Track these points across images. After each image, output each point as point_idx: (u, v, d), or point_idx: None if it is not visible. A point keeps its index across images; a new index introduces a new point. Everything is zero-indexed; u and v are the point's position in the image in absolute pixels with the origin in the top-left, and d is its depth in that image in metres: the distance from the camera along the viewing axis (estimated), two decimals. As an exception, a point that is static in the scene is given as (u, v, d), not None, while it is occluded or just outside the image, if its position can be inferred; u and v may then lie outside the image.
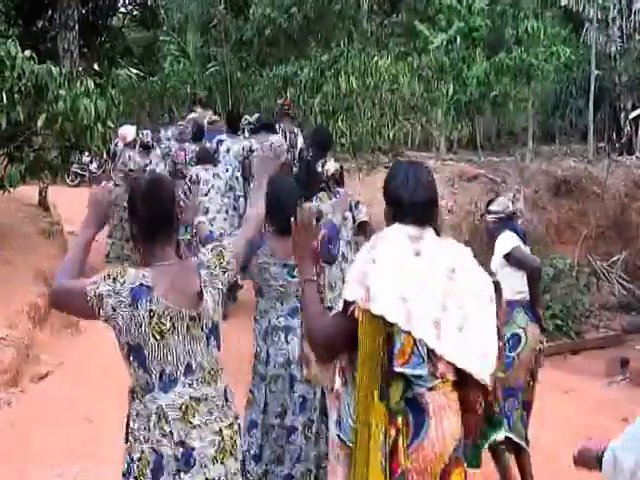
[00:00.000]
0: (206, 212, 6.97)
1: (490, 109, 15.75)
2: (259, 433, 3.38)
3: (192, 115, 10.44)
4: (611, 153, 14.83)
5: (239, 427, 2.40)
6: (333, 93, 8.62)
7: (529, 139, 13.92)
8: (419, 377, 2.11)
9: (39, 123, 6.81)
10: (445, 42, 14.12)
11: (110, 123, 7.45)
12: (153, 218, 2.24)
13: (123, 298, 2.16)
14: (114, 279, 2.19)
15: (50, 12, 16.10)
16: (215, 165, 7.38)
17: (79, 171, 15.26)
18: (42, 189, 9.93)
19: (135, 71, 17.85)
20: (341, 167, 5.50)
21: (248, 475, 3.29)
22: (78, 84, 7.12)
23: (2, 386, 5.65)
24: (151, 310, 2.17)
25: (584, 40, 17.43)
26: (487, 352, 2.20)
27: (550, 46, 13.28)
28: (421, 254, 2.18)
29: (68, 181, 14.63)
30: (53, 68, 6.96)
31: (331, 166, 5.23)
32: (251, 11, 17.66)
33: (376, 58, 8.55)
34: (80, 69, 13.78)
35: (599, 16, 16.64)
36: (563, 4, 17.50)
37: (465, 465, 2.22)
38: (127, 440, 2.26)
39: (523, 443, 3.95)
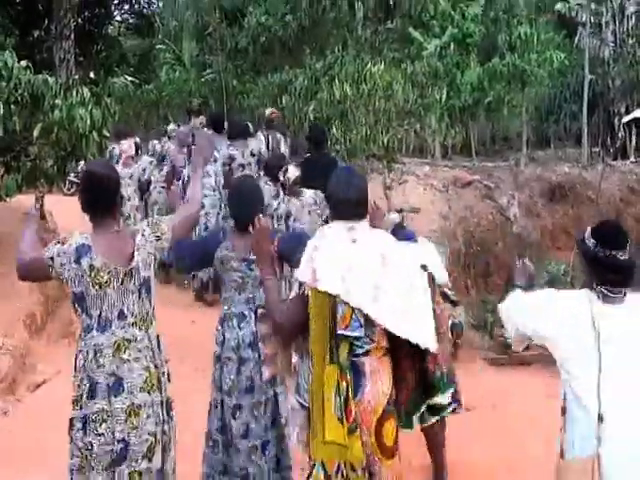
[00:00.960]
0: (202, 207, 7.10)
1: (484, 115, 15.84)
2: (218, 409, 3.71)
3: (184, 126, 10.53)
4: (605, 157, 14.91)
5: (167, 370, 2.90)
6: (327, 100, 8.66)
7: (523, 144, 14.00)
8: (358, 339, 2.62)
9: (35, 132, 6.84)
10: (439, 48, 14.21)
11: (106, 132, 7.49)
12: (93, 199, 2.84)
13: (69, 255, 2.72)
14: (62, 242, 2.79)
15: (46, 22, 16.19)
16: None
17: (75, 180, 15.25)
18: (38, 198, 9.95)
19: (131, 79, 17.90)
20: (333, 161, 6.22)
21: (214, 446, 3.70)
22: (74, 93, 7.16)
23: (-1, 395, 5.70)
24: (91, 265, 2.71)
25: (578, 45, 17.55)
26: (427, 325, 2.67)
27: (544, 51, 13.35)
28: (357, 242, 2.68)
29: (64, 190, 14.64)
30: (49, 78, 7.01)
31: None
32: (246, 19, 17.74)
33: (370, 65, 8.59)
34: (76, 78, 13.81)
35: (592, 21, 16.76)
36: (557, 9, 17.63)
37: (396, 420, 2.70)
38: (74, 373, 2.79)
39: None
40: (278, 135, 8.58)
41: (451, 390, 3.50)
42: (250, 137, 8.00)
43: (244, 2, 19.20)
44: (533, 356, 7.06)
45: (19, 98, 6.72)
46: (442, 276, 3.47)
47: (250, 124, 8.86)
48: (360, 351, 2.62)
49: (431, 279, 2.80)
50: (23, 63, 6.89)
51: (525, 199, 11.21)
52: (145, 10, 19.02)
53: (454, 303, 4.19)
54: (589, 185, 11.74)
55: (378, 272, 2.63)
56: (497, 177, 11.60)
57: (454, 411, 3.98)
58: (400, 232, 3.94)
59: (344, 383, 2.55)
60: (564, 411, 2.58)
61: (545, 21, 15.94)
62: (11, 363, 5.95)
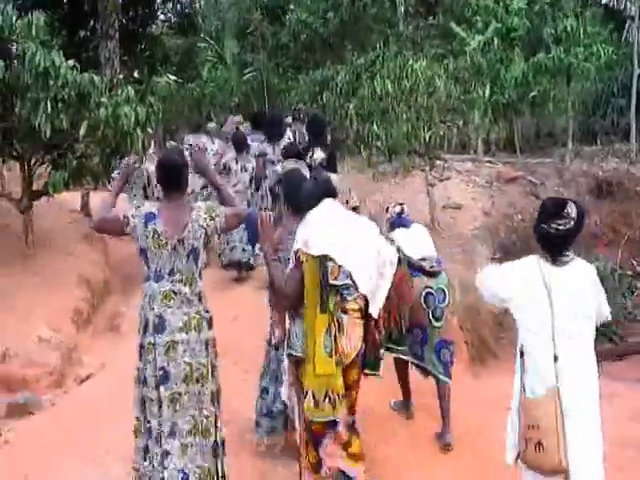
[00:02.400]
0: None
1: (528, 110, 15.57)
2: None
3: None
4: (655, 153, 14.51)
5: (208, 317, 3.54)
6: (368, 96, 8.61)
7: (569, 140, 13.67)
8: (347, 288, 3.40)
9: (82, 130, 7.00)
10: (482, 43, 14.00)
11: (149, 129, 7.61)
12: (166, 178, 3.55)
13: (140, 218, 3.45)
14: (137, 208, 3.53)
15: (92, 22, 16.47)
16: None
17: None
18: (84, 195, 10.17)
19: (173, 78, 18.08)
20: (331, 155, 6.61)
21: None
22: (119, 92, 7.29)
23: (47, 387, 5.84)
24: (154, 230, 3.43)
25: (626, 38, 17.11)
26: (374, 295, 3.49)
27: (590, 45, 13.02)
28: (335, 219, 3.53)
29: (109, 187, 14.91)
30: (95, 77, 7.14)
31: (318, 156, 6.45)
32: (287, 17, 17.79)
33: (412, 61, 8.51)
34: (120, 77, 14.00)
35: (641, 14, 16.30)
36: (603, 2, 17.23)
37: (363, 369, 3.58)
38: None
39: (441, 377, 4.78)
40: (304, 130, 8.70)
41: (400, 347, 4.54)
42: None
43: (285, 0, 19.30)
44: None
45: (66, 96, 6.86)
46: (429, 249, 4.79)
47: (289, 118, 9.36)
48: (349, 299, 3.42)
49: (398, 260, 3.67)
50: (70, 62, 7.02)
51: (571, 195, 10.98)
52: (188, 9, 19.14)
53: (430, 274, 4.66)
54: (637, 180, 11.42)
55: (355, 242, 3.47)
56: (542, 173, 11.39)
57: (444, 382, 4.77)
58: (399, 220, 4.98)
59: (334, 326, 3.33)
60: (522, 354, 3.09)
61: (591, 14, 15.56)
62: (59, 357, 6.10)
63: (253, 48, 19.82)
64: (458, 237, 8.43)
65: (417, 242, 4.76)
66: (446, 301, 4.77)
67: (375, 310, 3.51)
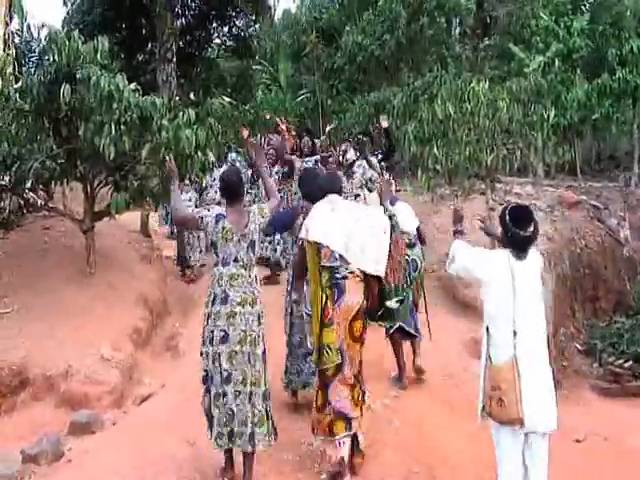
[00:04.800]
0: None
1: (590, 132, 15.32)
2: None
3: None
4: None
5: (260, 296, 4.45)
6: (428, 119, 8.60)
7: (635, 163, 13.35)
8: (337, 268, 4.39)
9: (144, 153, 7.15)
10: (542, 64, 13.88)
11: (209, 152, 7.74)
12: (227, 192, 4.56)
13: (212, 218, 4.44)
14: (209, 209, 4.59)
15: (150, 46, 16.97)
16: None
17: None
18: (144, 216, 10.40)
19: (228, 100, 18.41)
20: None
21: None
22: (180, 114, 7.44)
23: (108, 407, 5.95)
24: (223, 227, 4.42)
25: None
26: (377, 260, 4.46)
27: (657, 66, 12.78)
28: (334, 210, 4.55)
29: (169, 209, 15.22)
30: (157, 99, 7.32)
31: (350, 155, 8.09)
32: (343, 39, 17.97)
33: (473, 83, 8.48)
34: (177, 99, 14.31)
35: None
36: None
37: (366, 319, 4.50)
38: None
39: (412, 330, 6.01)
40: (348, 147, 9.79)
41: (400, 297, 5.06)
42: None
43: (341, 23, 19.50)
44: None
45: (129, 119, 7.04)
46: (408, 225, 5.84)
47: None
48: (339, 276, 4.38)
49: (392, 226, 4.60)
50: (132, 86, 7.21)
51: (636, 221, 10.72)
52: (243, 32, 19.51)
53: (408, 246, 5.53)
54: None
55: (349, 227, 4.45)
56: (606, 197, 11.16)
57: (415, 337, 6.04)
58: (392, 198, 5.85)
59: (324, 296, 4.35)
60: (488, 330, 3.87)
61: (658, 34, 15.27)
62: (119, 376, 6.21)
63: (308, 70, 20.06)
64: (520, 263, 8.27)
65: (400, 218, 5.56)
66: (417, 271, 5.93)
67: (382, 270, 4.47)
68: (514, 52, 15.59)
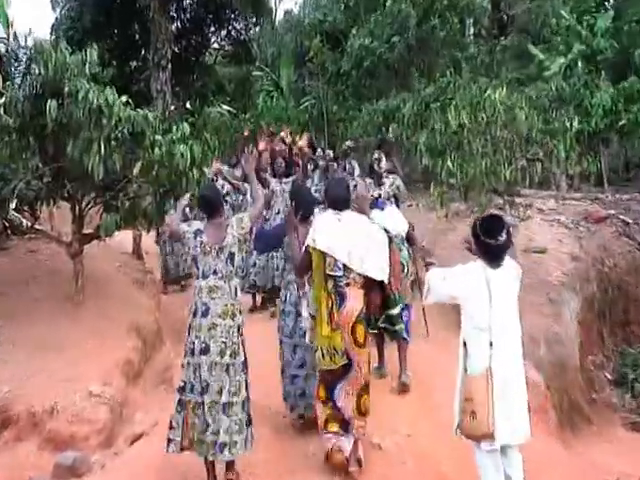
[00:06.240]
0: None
1: (617, 139, 15.27)
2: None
3: None
4: None
5: (240, 307, 4.94)
6: (441, 129, 8.57)
7: (665, 172, 13.32)
8: (340, 277, 4.87)
9: (135, 171, 7.13)
10: (564, 67, 13.87)
11: (205, 168, 7.72)
12: (205, 208, 5.07)
13: (192, 233, 4.94)
14: (189, 225, 5.07)
15: (143, 52, 17.05)
16: None
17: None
18: (136, 237, 10.38)
19: (227, 108, 18.45)
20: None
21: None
22: (174, 129, 7.43)
23: (97, 446, 5.89)
24: (202, 241, 4.87)
25: None
26: (382, 268, 5.00)
27: (688, 67, 12.76)
28: (340, 221, 5.01)
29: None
30: (149, 113, 7.30)
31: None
32: (349, 42, 17.98)
33: (490, 90, 8.44)
34: (172, 109, 14.34)
35: None
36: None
37: (365, 325, 4.97)
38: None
39: (404, 335, 6.50)
40: (353, 162, 10.65)
41: (401, 305, 6.26)
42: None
43: (347, 25, 19.55)
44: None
45: (119, 135, 7.02)
46: (399, 227, 6.56)
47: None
48: (341, 284, 4.88)
49: (389, 239, 5.33)
50: (123, 99, 7.18)
51: (670, 236, 10.63)
52: (242, 36, 19.58)
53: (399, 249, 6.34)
54: None
55: (353, 238, 4.92)
56: (636, 211, 11.07)
57: (405, 340, 6.48)
58: (376, 203, 6.74)
59: (330, 302, 4.86)
60: (465, 343, 4.14)
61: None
62: (109, 413, 6.15)
63: (312, 75, 20.13)
64: (543, 285, 8.20)
65: (389, 222, 6.15)
66: (404, 273, 6.39)
67: (385, 276, 5.03)
68: (533, 53, 15.62)
